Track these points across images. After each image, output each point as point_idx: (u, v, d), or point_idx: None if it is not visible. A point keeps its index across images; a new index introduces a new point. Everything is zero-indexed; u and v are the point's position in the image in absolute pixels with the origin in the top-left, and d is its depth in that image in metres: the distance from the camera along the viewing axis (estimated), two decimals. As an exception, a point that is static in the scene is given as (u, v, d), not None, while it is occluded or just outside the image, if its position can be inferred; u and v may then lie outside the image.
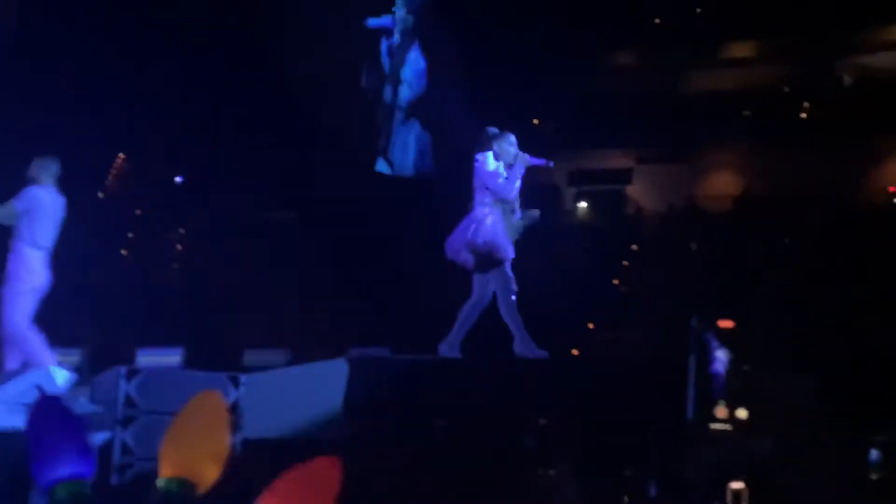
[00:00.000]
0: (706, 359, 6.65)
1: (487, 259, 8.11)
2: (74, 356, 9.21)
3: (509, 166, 8.11)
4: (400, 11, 11.84)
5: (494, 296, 8.25)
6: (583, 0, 22.39)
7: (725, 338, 6.64)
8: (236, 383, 7.28)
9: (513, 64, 19.87)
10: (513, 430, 6.83)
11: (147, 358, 8.90)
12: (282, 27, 14.20)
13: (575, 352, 14.41)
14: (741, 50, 25.25)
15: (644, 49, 25.48)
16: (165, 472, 2.67)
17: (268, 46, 14.70)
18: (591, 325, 16.16)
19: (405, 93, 11.86)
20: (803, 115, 23.54)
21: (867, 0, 22.46)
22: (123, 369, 7.18)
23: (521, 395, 7.27)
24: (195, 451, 2.72)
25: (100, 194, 18.31)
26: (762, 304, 11.80)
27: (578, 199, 24.46)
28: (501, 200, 8.12)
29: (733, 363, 6.62)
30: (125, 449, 6.88)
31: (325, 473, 2.86)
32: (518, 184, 8.11)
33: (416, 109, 12.07)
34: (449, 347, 8.34)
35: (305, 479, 2.80)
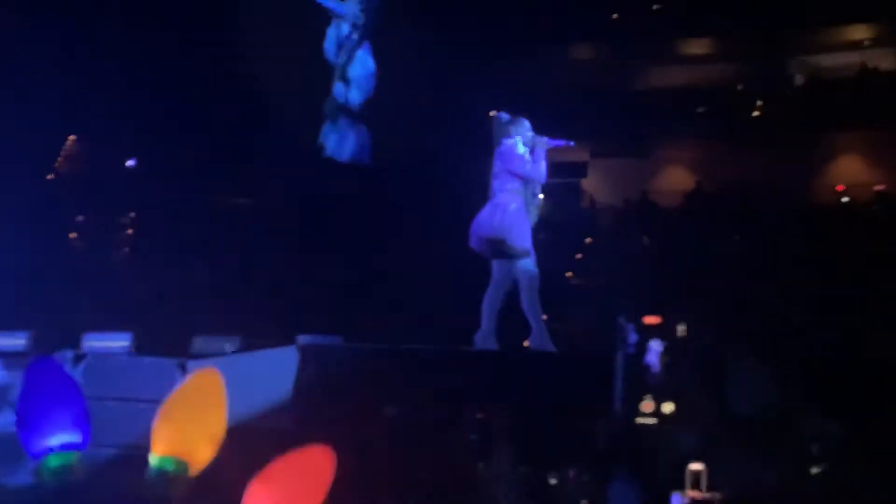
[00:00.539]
0: (634, 354, 6.74)
1: (509, 247, 8.02)
2: (20, 339, 9.07)
3: (530, 150, 8.10)
4: (353, 7, 11.69)
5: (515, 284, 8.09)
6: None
7: (652, 333, 6.72)
8: (184, 370, 7.22)
9: (469, 57, 19.90)
10: (456, 419, 6.87)
11: (94, 343, 8.77)
12: (235, 10, 14.09)
13: (526, 343, 14.50)
14: (696, 47, 25.53)
15: (600, 44, 25.66)
16: (159, 450, 2.61)
17: (220, 28, 14.57)
18: (544, 317, 16.26)
19: (353, 93, 11.74)
20: (756, 113, 23.86)
21: (820, 1, 22.81)
22: (69, 353, 7.09)
23: (468, 385, 7.30)
24: (190, 429, 2.67)
25: (49, 176, 18.04)
26: (710, 298, 11.96)
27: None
28: (526, 184, 8.04)
29: (661, 358, 6.70)
30: (70, 435, 6.80)
31: (317, 461, 2.85)
32: (544, 165, 8.07)
33: (363, 108, 11.99)
34: (483, 339, 8.18)
35: (298, 466, 2.78)
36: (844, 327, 11.15)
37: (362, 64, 11.90)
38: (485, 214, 8.10)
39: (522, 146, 7.98)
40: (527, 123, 8.12)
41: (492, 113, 8.36)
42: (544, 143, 8.08)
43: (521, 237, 7.95)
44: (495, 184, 8.10)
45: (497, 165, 8.10)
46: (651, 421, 6.79)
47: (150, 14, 15.80)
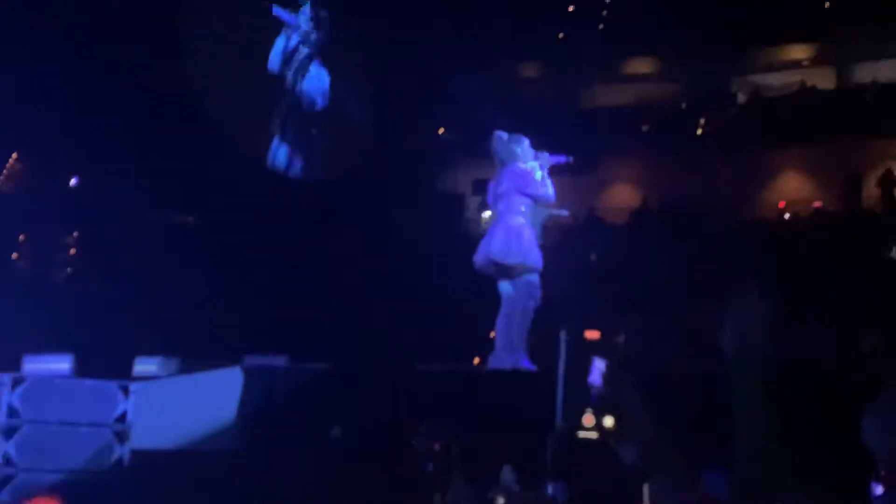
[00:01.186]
0: (574, 368, 6.78)
1: (520, 269, 8.00)
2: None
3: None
4: (303, 20, 11.70)
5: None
6: (489, 14, 22.63)
7: (592, 348, 6.77)
8: (126, 392, 7.12)
9: (418, 74, 19.96)
10: (402, 436, 6.84)
11: (34, 365, 8.62)
12: (183, 26, 13.97)
13: (476, 360, 14.50)
14: (640, 66, 25.88)
15: (547, 63, 25.89)
16: None
17: (166, 45, 14.43)
18: (492, 334, 16.29)
19: (306, 106, 11.73)
20: (699, 131, 24.20)
21: (761, 21, 23.25)
22: (7, 377, 6.96)
23: (411, 402, 7.30)
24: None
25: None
26: (655, 313, 12.07)
27: (482, 209, 24.65)
28: (536, 204, 8.00)
29: (602, 373, 6.74)
30: (7, 460, 6.67)
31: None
32: (551, 184, 8.06)
33: (315, 121, 11.97)
34: (498, 361, 8.07)
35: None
36: (785, 341, 11.31)
37: (318, 78, 11.87)
38: (499, 238, 8.00)
39: (540, 170, 7.95)
40: (526, 141, 8.08)
41: (501, 133, 8.25)
42: (546, 160, 8.05)
43: (537, 260, 7.99)
44: (502, 204, 8.01)
45: (504, 185, 8.01)
46: (592, 435, 6.84)
47: (94, 28, 15.63)
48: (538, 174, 7.97)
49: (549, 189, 7.95)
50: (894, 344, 11.15)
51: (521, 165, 7.96)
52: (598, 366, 6.87)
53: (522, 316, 7.96)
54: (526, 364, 7.79)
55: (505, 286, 8.11)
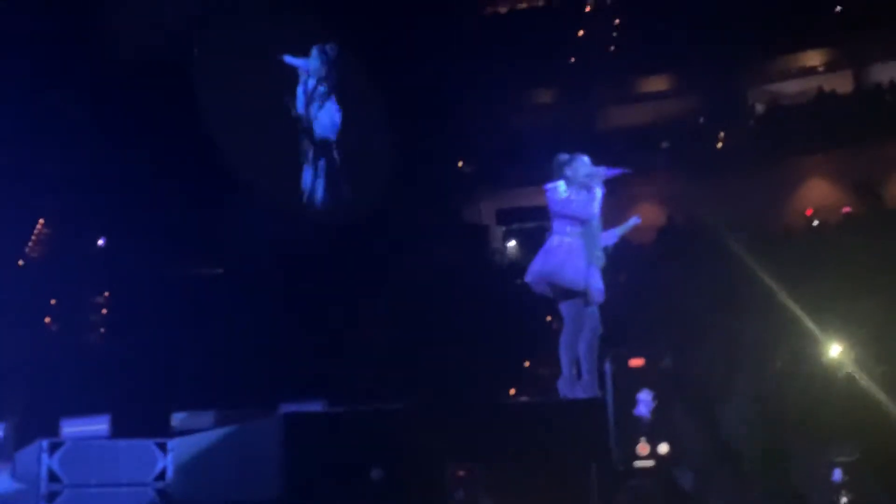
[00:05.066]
0: (624, 397, 6.65)
1: (562, 289, 7.73)
2: (-2, 431, 8.92)
3: (586, 187, 7.89)
4: (314, 63, 11.95)
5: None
6: (500, 43, 22.73)
7: (638, 376, 6.64)
8: (164, 449, 7.10)
9: (434, 107, 20.03)
10: (445, 477, 6.74)
11: (72, 428, 8.64)
12: (200, 83, 14.12)
13: (512, 391, 14.37)
14: (655, 84, 25.83)
15: (561, 87, 25.91)
16: None
17: (185, 102, 14.57)
18: (527, 364, 16.17)
19: (323, 141, 11.94)
20: (719, 144, 24.08)
21: (774, 29, 23.18)
22: (45, 442, 6.95)
23: (454, 440, 7.19)
24: None
25: (20, 262, 17.89)
26: (688, 335, 11.93)
27: (507, 238, 24.60)
28: (584, 224, 7.74)
29: (651, 400, 6.62)
30: (51, 526, 6.65)
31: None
32: (597, 203, 7.79)
33: (333, 157, 12.13)
34: (565, 385, 7.76)
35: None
36: (811, 352, 11.15)
37: (330, 114, 12.12)
38: (538, 257, 7.84)
39: (565, 188, 7.71)
40: (585, 159, 7.85)
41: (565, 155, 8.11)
42: (602, 174, 7.82)
43: (574, 276, 7.60)
44: (553, 226, 7.86)
45: (549, 209, 7.86)
46: (648, 463, 6.69)
47: (115, 91, 15.81)
48: (561, 192, 7.75)
49: (588, 206, 7.71)
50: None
51: (548, 186, 7.81)
52: (644, 398, 6.72)
53: (588, 346, 7.66)
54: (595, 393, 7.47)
55: (563, 308, 7.83)
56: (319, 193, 12.14)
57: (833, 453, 6.98)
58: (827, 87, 23.98)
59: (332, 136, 12.11)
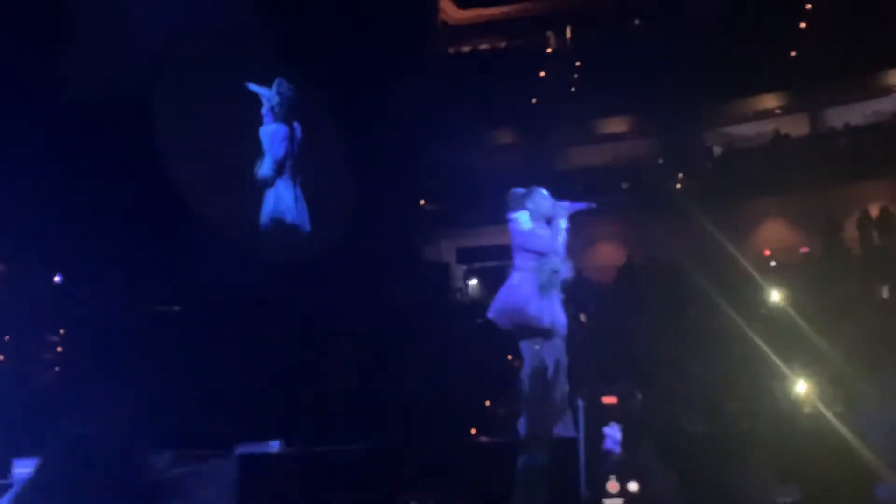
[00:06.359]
0: (594, 435, 6.64)
1: (526, 326, 7.57)
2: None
3: (548, 220, 7.72)
4: (272, 98, 12.04)
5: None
6: (462, 82, 22.89)
7: (610, 413, 6.64)
8: (116, 491, 6.93)
9: (395, 144, 20.07)
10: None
11: (24, 469, 8.43)
12: (158, 114, 14.04)
13: (473, 431, 14.28)
14: (615, 125, 26.16)
15: (522, 127, 26.14)
16: None
17: (143, 137, 14.47)
18: (487, 403, 16.10)
19: (282, 177, 12.00)
20: (678, 185, 24.37)
21: (732, 73, 23.58)
22: (-7, 484, 6.77)
23: (410, 478, 7.13)
24: None
25: (-29, 298, 17.56)
26: (650, 373, 11.97)
27: (468, 277, 24.63)
28: (542, 258, 7.48)
29: (621, 437, 6.62)
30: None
31: None
32: (562, 236, 7.56)
33: (293, 193, 12.17)
34: (528, 426, 7.51)
35: None
36: (777, 394, 11.22)
37: (288, 147, 12.22)
38: (501, 292, 7.63)
39: (529, 220, 7.51)
40: (543, 192, 7.64)
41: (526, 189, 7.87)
42: (567, 207, 7.62)
43: (538, 312, 7.39)
44: (515, 260, 7.61)
45: (512, 242, 7.63)
46: (617, 502, 6.65)
47: (68, 124, 15.65)
48: (525, 224, 7.61)
49: (553, 239, 7.56)
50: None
51: (511, 217, 7.66)
52: (612, 433, 6.69)
53: (553, 381, 7.51)
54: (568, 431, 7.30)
55: (524, 347, 7.67)
56: (278, 227, 12.16)
57: (775, 494, 6.99)
58: (783, 130, 24.40)
59: (291, 173, 12.17)
